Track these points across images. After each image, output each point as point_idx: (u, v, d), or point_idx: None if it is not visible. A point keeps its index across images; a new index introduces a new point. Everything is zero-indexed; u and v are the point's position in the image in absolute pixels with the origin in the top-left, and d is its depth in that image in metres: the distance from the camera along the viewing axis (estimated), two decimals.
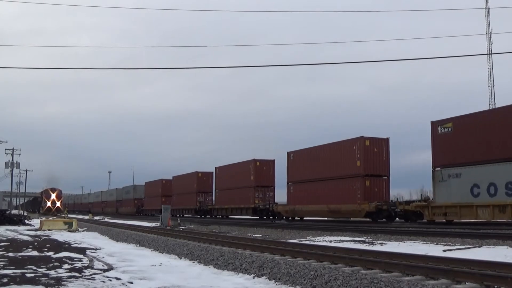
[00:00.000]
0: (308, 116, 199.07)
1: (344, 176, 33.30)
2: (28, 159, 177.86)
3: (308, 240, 20.24)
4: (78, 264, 12.27)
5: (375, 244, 17.09)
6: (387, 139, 33.11)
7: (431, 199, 27.83)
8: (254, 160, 46.55)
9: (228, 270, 11.51)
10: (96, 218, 65.04)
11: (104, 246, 18.63)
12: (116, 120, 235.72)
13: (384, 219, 31.19)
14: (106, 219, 58.93)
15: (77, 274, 10.40)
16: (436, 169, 27.14)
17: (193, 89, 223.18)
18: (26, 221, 42.57)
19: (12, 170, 65.22)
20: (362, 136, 32.64)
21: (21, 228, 34.25)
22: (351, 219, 34.92)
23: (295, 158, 39.51)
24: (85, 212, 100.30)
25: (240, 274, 10.80)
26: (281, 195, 44.94)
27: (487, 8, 53.79)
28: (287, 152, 40.96)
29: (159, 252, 16.41)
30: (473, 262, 9.91)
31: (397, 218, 31.19)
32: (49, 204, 79.72)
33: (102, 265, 12.23)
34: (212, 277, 10.52)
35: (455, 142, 26.10)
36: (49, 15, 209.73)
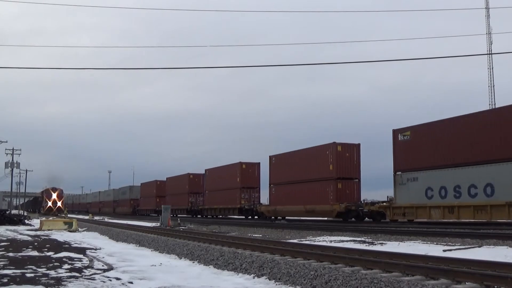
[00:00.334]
0: (308, 116, 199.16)
1: (319, 179, 35.85)
2: (28, 159, 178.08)
3: (308, 240, 20.24)
4: (78, 264, 12.27)
5: (375, 244, 17.09)
6: (358, 144, 35.60)
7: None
8: (240, 163, 48.81)
9: (228, 270, 11.51)
10: (96, 218, 65.04)
11: (104, 246, 18.63)
12: (116, 120, 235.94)
13: (353, 219, 33.60)
14: (106, 219, 58.93)
15: (77, 274, 10.40)
16: (397, 173, 29.70)
17: (193, 89, 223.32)
18: (26, 221, 42.57)
19: (12, 170, 65.21)
20: (334, 142, 35.17)
21: (21, 228, 34.25)
22: (326, 218, 37.36)
23: (277, 162, 42.20)
24: (83, 212, 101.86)
25: (240, 274, 10.80)
26: (267, 196, 46.49)
27: (487, 8, 53.79)
28: (269, 156, 43.36)
29: (159, 252, 16.41)
30: (473, 262, 9.91)
31: (366, 218, 33.44)
32: (50, 204, 78.75)
33: (102, 265, 12.23)
34: (212, 277, 10.52)
35: (413, 149, 28.70)
36: (49, 15, 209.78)
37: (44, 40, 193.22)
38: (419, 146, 28.30)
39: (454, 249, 14.32)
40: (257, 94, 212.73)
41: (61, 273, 10.59)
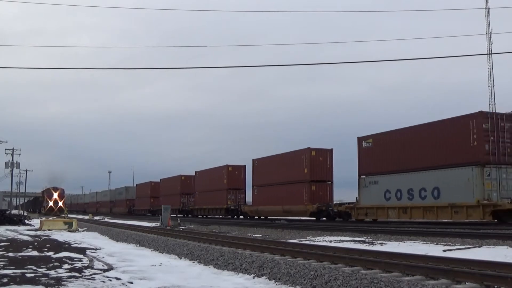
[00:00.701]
0: (308, 116, 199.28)
1: (295, 181, 39.02)
2: (28, 159, 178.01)
3: (308, 240, 20.24)
4: (78, 264, 12.27)
5: (375, 244, 17.08)
6: (331, 149, 38.90)
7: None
8: (227, 166, 51.98)
9: (228, 270, 11.50)
10: (96, 218, 65.05)
11: (104, 246, 18.62)
12: (116, 120, 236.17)
13: (324, 218, 36.63)
14: (106, 219, 58.94)
15: (77, 274, 10.39)
16: (361, 177, 32.77)
17: (193, 89, 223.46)
18: (26, 221, 42.57)
19: (12, 170, 65.12)
20: (308, 148, 38.42)
21: (21, 228, 34.24)
22: (302, 218, 40.02)
23: (259, 165, 45.29)
24: (81, 212, 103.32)
25: (240, 274, 10.79)
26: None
27: (487, 8, 53.74)
28: (253, 159, 46.44)
29: (159, 252, 16.40)
30: (473, 262, 9.90)
31: (337, 218, 36.09)
32: (51, 204, 77.49)
33: (102, 265, 12.23)
34: (212, 277, 10.52)
35: (374, 155, 31.81)
36: (50, 16, 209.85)
37: (44, 40, 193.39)
38: (379, 153, 31.31)
39: (454, 249, 14.31)
40: (257, 94, 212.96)
41: (61, 273, 10.59)
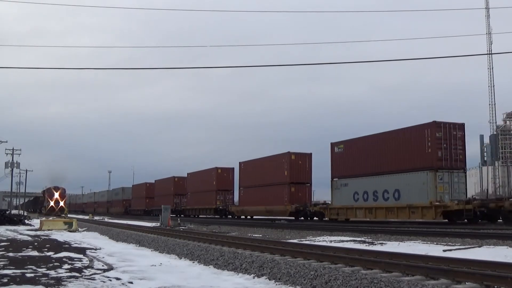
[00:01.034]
0: (308, 116, 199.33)
1: (276, 183, 41.82)
2: (28, 159, 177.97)
3: (308, 240, 20.23)
4: (78, 264, 12.27)
5: (375, 244, 17.08)
6: (310, 154, 41.58)
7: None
8: (216, 168, 54.44)
9: (228, 270, 11.50)
10: (96, 218, 65.04)
11: (104, 246, 18.61)
12: (116, 120, 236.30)
13: (302, 218, 39.09)
14: (106, 219, 58.95)
15: (77, 274, 10.39)
16: (334, 179, 35.60)
17: (193, 89, 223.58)
18: (26, 221, 42.53)
19: (12, 170, 65.06)
20: (289, 152, 41.24)
21: (21, 228, 34.22)
22: (282, 217, 42.11)
23: (245, 167, 48.06)
24: (79, 212, 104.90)
25: (240, 274, 10.79)
26: None
27: (487, 8, 53.79)
28: (239, 162, 49.21)
29: (159, 252, 16.40)
30: (473, 262, 9.90)
31: (315, 217, 38.45)
32: (52, 203, 75.66)
33: (102, 265, 12.23)
34: (212, 277, 10.51)
35: (345, 159, 34.69)
36: (51, 16, 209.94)
37: (44, 41, 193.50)
38: (349, 158, 34.21)
39: (454, 249, 14.31)
40: (257, 95, 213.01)
41: (61, 273, 10.58)
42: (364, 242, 18.14)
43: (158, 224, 38.10)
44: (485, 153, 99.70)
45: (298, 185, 40.78)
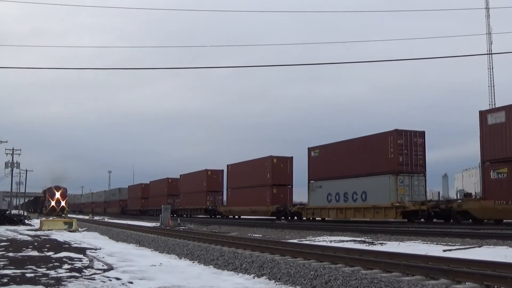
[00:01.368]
0: (308, 116, 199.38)
1: (259, 185, 44.35)
2: (28, 159, 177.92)
3: (308, 240, 20.23)
4: (78, 264, 12.27)
5: (375, 244, 17.08)
6: (291, 157, 44.23)
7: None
8: (206, 170, 56.93)
9: (228, 270, 11.50)
10: (96, 218, 65.02)
11: (104, 246, 18.61)
12: (116, 120, 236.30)
13: (283, 217, 41.46)
14: (106, 219, 58.96)
15: (77, 274, 10.39)
16: (310, 181, 38.11)
17: (193, 89, 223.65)
18: (26, 221, 42.51)
19: (12, 170, 65.03)
20: (271, 156, 43.96)
21: (21, 228, 34.21)
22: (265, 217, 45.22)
23: (232, 170, 51.06)
24: (77, 212, 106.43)
25: (240, 274, 10.79)
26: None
27: (487, 8, 53.77)
28: (227, 165, 52.24)
29: (159, 252, 16.40)
30: (473, 262, 9.90)
31: (295, 217, 40.64)
32: (53, 203, 74.15)
33: (102, 265, 12.22)
34: (212, 277, 10.51)
35: (320, 163, 37.27)
36: (51, 16, 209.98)
37: (45, 41, 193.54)
38: (324, 162, 36.84)
39: (454, 249, 14.31)
40: (257, 95, 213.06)
41: (61, 273, 10.58)
42: (364, 242, 18.14)
43: (158, 224, 38.10)
44: None
45: (279, 187, 43.54)
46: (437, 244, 16.49)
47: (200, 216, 56.89)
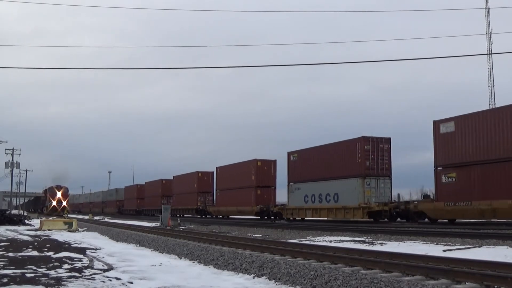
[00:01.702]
0: (308, 116, 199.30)
1: (245, 187, 47.02)
2: (28, 159, 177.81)
3: (308, 240, 20.23)
4: (78, 264, 12.27)
5: (375, 244, 17.08)
6: (275, 160, 47.04)
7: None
8: (197, 172, 59.50)
9: (228, 270, 11.50)
10: (96, 218, 65.02)
11: (104, 246, 18.61)
12: (116, 120, 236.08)
13: (266, 217, 44.01)
14: (106, 219, 58.97)
15: (77, 274, 10.39)
16: (290, 184, 40.93)
17: (193, 90, 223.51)
18: (26, 221, 42.52)
19: (12, 170, 65.03)
20: (255, 159, 46.67)
21: (21, 228, 34.22)
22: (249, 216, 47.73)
23: (220, 172, 54.13)
24: (76, 212, 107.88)
25: (240, 274, 10.79)
26: None
27: (487, 8, 53.75)
28: (216, 167, 55.47)
29: (159, 252, 16.40)
30: (473, 262, 9.90)
31: (278, 217, 42.72)
32: (54, 203, 72.62)
33: (102, 265, 12.23)
34: (212, 277, 10.51)
35: (298, 167, 39.90)
36: (51, 16, 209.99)
37: (45, 41, 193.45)
38: (301, 165, 39.43)
39: (454, 249, 14.31)
40: (257, 95, 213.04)
41: (61, 273, 10.58)
42: (364, 242, 18.14)
43: (158, 224, 38.11)
44: None
45: (263, 188, 46.09)
46: (437, 244, 16.49)
47: (191, 216, 59.12)
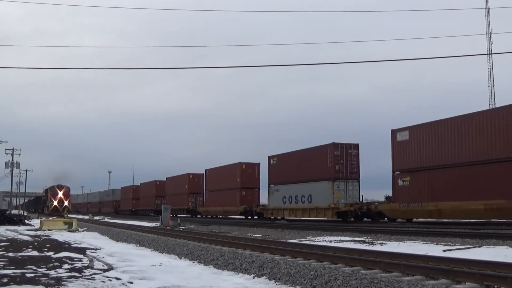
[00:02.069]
0: (308, 116, 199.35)
1: (230, 188, 50.09)
2: (28, 159, 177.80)
3: (308, 240, 20.23)
4: (78, 264, 12.27)
5: (375, 244, 17.07)
6: (259, 163, 49.52)
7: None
8: (188, 174, 62.28)
9: (228, 270, 11.50)
10: (96, 218, 65.00)
11: (104, 246, 18.61)
12: (116, 120, 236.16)
13: (249, 216, 47.47)
14: (106, 219, 58.97)
15: (77, 274, 10.39)
16: (270, 185, 43.90)
17: (193, 90, 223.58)
18: (26, 221, 42.52)
19: (12, 170, 65.05)
20: (240, 162, 49.53)
21: (21, 228, 34.22)
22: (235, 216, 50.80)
23: (209, 174, 57.50)
24: (74, 212, 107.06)
25: (240, 274, 10.79)
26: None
27: (487, 8, 53.75)
28: (205, 170, 58.78)
29: (159, 252, 16.40)
30: (473, 262, 9.90)
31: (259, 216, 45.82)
32: (55, 203, 68.93)
33: (102, 265, 12.23)
34: (212, 277, 10.51)
35: (277, 170, 42.99)
36: (51, 17, 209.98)
37: (45, 41, 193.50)
38: (280, 168, 42.47)
39: (454, 249, 14.31)
40: (257, 95, 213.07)
41: (61, 273, 10.58)
42: (364, 242, 18.13)
43: (158, 224, 38.10)
44: None
45: (248, 189, 48.89)
46: (437, 244, 16.49)
47: (182, 216, 61.03)
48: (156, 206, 71.29)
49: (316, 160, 37.51)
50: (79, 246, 18.35)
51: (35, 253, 15.18)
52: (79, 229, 31.45)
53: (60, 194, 69.21)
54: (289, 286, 9.22)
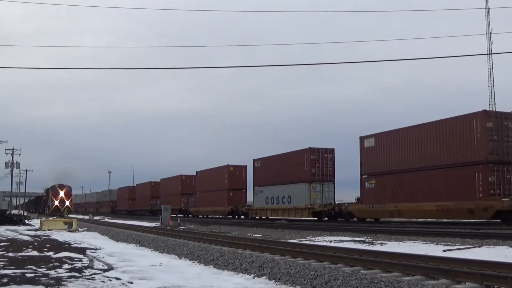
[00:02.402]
0: (308, 116, 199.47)
1: (219, 189, 52.85)
2: (28, 159, 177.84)
3: (308, 240, 20.23)
4: (78, 264, 12.27)
5: (375, 244, 17.07)
6: (245, 166, 52.15)
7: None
8: (181, 175, 65.14)
9: (228, 270, 11.50)
10: (96, 218, 64.97)
11: (104, 246, 18.61)
12: (117, 120, 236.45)
13: (236, 216, 50.06)
14: (106, 219, 58.95)
15: (77, 274, 10.39)
16: (255, 187, 46.64)
17: (194, 90, 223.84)
18: (26, 221, 42.51)
19: (12, 170, 65.07)
20: (228, 164, 52.25)
21: (21, 228, 34.21)
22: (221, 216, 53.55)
23: (199, 175, 60.10)
24: (73, 212, 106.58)
25: (240, 274, 10.79)
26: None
27: (487, 8, 53.73)
28: (196, 171, 61.14)
29: (159, 252, 16.40)
30: (473, 262, 9.89)
31: (248, 216, 47.88)
32: (57, 203, 66.97)
33: (102, 265, 12.23)
34: (212, 277, 10.51)
35: (261, 172, 45.86)
36: (53, 17, 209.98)
37: (47, 41, 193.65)
38: (263, 171, 45.36)
39: (454, 249, 14.30)
40: (258, 95, 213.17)
41: (61, 273, 10.58)
42: (364, 242, 18.13)
43: (158, 224, 38.09)
44: None
45: (235, 190, 51.55)
46: (437, 244, 16.48)
47: (174, 215, 63.05)
48: (151, 206, 74.25)
49: (295, 163, 40.22)
50: (79, 246, 18.35)
51: (35, 253, 15.17)
52: (79, 229, 31.45)
53: (62, 193, 67.34)
54: (289, 286, 9.22)
